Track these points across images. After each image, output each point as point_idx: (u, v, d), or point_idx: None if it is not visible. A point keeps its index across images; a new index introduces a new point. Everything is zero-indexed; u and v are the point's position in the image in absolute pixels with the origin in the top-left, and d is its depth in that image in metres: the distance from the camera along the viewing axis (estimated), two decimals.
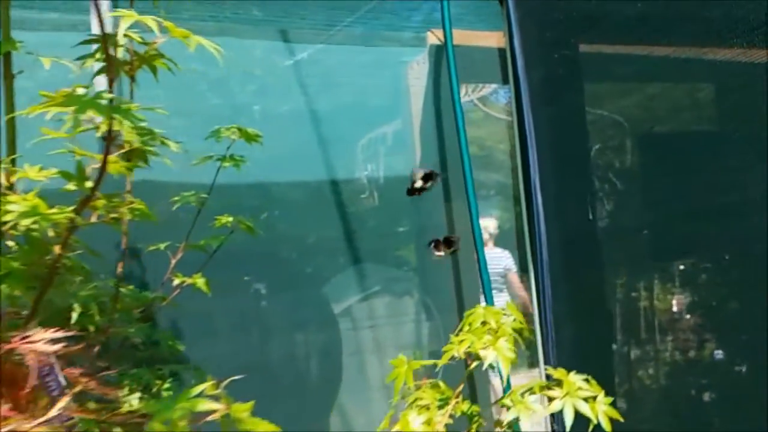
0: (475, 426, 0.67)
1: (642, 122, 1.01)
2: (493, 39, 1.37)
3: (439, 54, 1.51)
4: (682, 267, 0.97)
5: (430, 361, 0.70)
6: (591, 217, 1.08)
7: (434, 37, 1.50)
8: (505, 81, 1.38)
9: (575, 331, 1.10)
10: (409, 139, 1.61)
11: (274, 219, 1.47)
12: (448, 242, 1.21)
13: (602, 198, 1.11)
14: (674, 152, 0.94)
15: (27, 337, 0.48)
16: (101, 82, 0.60)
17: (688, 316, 0.95)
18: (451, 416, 0.64)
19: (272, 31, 1.50)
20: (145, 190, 0.95)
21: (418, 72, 1.62)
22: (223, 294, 1.31)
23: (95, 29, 1.34)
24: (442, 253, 1.19)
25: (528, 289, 1.30)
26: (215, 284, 1.31)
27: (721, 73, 0.86)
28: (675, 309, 0.97)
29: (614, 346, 1.06)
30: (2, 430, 0.46)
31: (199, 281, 0.81)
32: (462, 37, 1.43)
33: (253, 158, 1.51)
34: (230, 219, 0.86)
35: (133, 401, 0.61)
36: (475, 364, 0.65)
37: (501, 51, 1.35)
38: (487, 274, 1.12)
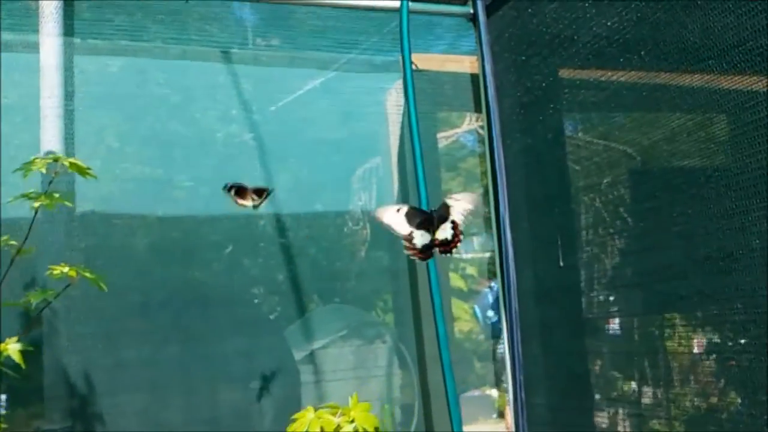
0: None
1: (631, 154, 0.91)
2: (466, 64, 1.29)
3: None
4: (668, 322, 0.86)
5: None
6: (562, 264, 0.98)
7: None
8: (478, 109, 1.30)
9: (548, 398, 1.00)
10: (387, 169, 1.53)
11: (237, 255, 1.39)
12: (258, 192, 1.10)
13: (581, 241, 1.01)
14: (667, 190, 0.84)
15: None
16: None
17: (676, 381, 0.84)
18: None
19: (239, 55, 1.44)
20: None
21: (397, 99, 1.55)
22: (162, 341, 1.24)
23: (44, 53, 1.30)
24: (246, 203, 1.09)
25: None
26: (152, 329, 1.24)
27: (715, 101, 0.76)
28: (662, 372, 0.86)
29: (591, 411, 0.95)
30: None
31: (11, 347, 0.63)
32: (433, 62, 1.35)
33: (214, 189, 1.44)
34: (66, 269, 0.73)
35: None
36: None
37: (474, 76, 1.28)
38: (440, 300, 1.03)
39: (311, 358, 1.34)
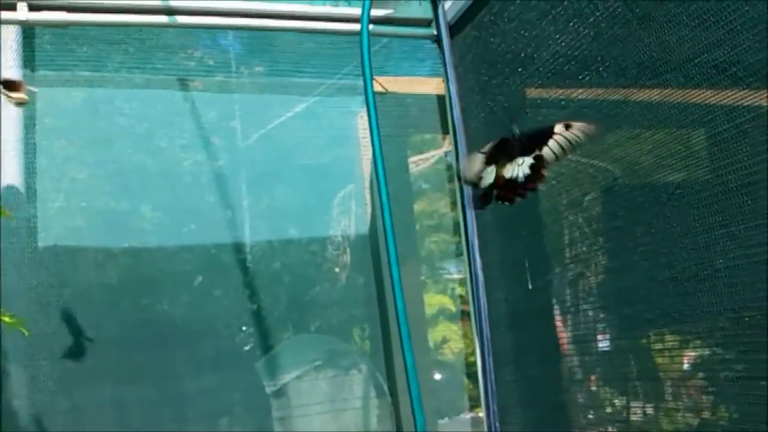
0: None
1: (594, 174, 0.88)
2: (432, 85, 1.28)
3: (381, 102, 1.41)
4: (637, 345, 0.83)
5: None
6: (530, 286, 0.96)
7: (377, 85, 1.41)
8: (444, 131, 1.28)
9: (523, 426, 0.97)
10: (361, 194, 1.51)
11: (207, 285, 1.36)
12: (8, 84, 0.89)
13: (549, 263, 0.99)
14: (630, 209, 0.82)
15: None
16: None
17: (648, 405, 0.81)
18: None
19: (206, 82, 1.42)
20: None
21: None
22: (128, 379, 1.20)
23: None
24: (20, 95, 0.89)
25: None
26: (117, 367, 1.20)
27: (674, 116, 0.74)
28: (634, 396, 0.83)
29: None
30: None
31: None
32: (400, 84, 1.34)
33: (183, 219, 1.41)
34: None
35: None
36: None
37: (440, 98, 1.26)
38: (407, 330, 0.99)
39: (284, 390, 1.31)
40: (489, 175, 0.75)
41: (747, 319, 0.64)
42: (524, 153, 0.74)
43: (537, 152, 0.72)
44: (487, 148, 0.76)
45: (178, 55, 1.37)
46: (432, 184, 1.60)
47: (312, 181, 1.46)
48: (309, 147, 1.48)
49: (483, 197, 0.76)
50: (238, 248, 1.33)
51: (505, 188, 0.74)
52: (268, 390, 1.30)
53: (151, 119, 1.36)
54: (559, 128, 0.73)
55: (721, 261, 0.65)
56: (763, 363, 0.64)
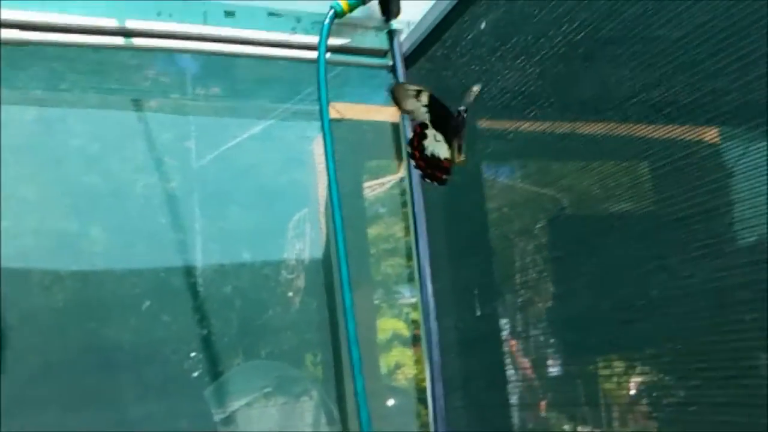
0: None
1: (541, 203, 0.91)
2: (388, 113, 1.31)
3: (337, 128, 1.43)
4: (580, 371, 0.86)
5: None
6: (479, 313, 0.98)
7: (334, 111, 1.42)
8: (399, 157, 1.31)
9: None
10: (316, 218, 1.51)
11: (156, 310, 1.34)
12: None
13: (496, 290, 1.01)
14: (572, 239, 0.84)
15: None
16: None
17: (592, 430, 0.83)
18: None
19: (162, 103, 1.42)
20: None
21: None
22: (71, 407, 1.17)
23: None
24: None
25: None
26: (61, 394, 1.17)
27: (615, 151, 0.77)
28: (586, 425, 0.85)
29: None
30: None
31: None
32: (357, 111, 1.36)
33: (133, 242, 1.39)
34: None
35: None
36: None
37: (395, 125, 1.29)
38: (358, 355, 0.99)
39: (233, 418, 1.29)
40: (439, 147, 0.72)
41: (680, 347, 0.68)
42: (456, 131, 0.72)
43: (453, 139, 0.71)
44: (423, 96, 0.72)
45: (134, 74, 1.37)
46: (388, 209, 1.62)
47: (267, 204, 1.46)
48: (264, 169, 1.48)
49: (432, 171, 0.72)
50: (188, 271, 1.32)
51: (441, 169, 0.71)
52: (216, 418, 1.28)
53: (104, 140, 1.35)
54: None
55: (655, 292, 0.68)
56: (694, 389, 0.67)
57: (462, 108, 0.73)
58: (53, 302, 1.30)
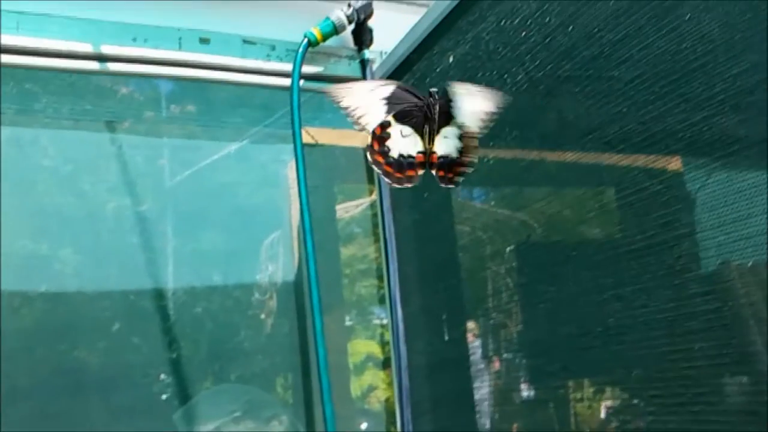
0: None
1: (508, 230, 0.94)
2: (359, 139, 1.33)
3: (310, 153, 1.45)
4: (541, 396, 0.88)
5: None
6: (447, 337, 1.00)
7: (307, 136, 1.45)
8: (370, 181, 1.33)
9: None
10: (288, 241, 1.52)
11: (125, 332, 1.34)
12: None
13: (464, 315, 1.03)
14: (534, 266, 0.87)
15: None
16: None
17: None
18: None
19: (136, 121, 1.42)
20: None
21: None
22: (41, 428, 1.16)
23: None
24: None
25: None
26: (26, 419, 1.16)
27: (576, 180, 0.80)
28: None
29: None
30: None
31: None
32: (330, 136, 1.39)
33: (103, 263, 1.39)
34: None
35: None
36: None
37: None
38: (328, 380, 1.01)
39: None
40: (410, 143, 0.63)
41: (636, 374, 0.70)
42: (442, 122, 0.64)
43: (461, 121, 0.63)
44: (383, 89, 0.65)
45: (108, 93, 1.38)
46: (363, 229, 1.64)
47: (240, 225, 1.47)
48: (238, 190, 1.49)
49: (404, 171, 0.64)
50: (159, 294, 1.32)
51: (442, 167, 0.64)
52: None
53: (76, 160, 1.36)
54: (459, 90, 0.63)
55: (612, 320, 0.71)
56: (649, 415, 0.70)
57: (432, 90, 0.67)
58: (22, 324, 1.29)
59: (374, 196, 1.54)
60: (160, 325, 1.33)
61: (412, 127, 0.65)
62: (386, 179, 0.66)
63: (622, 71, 0.69)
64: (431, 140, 0.65)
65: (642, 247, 0.69)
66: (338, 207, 1.60)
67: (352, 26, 1.19)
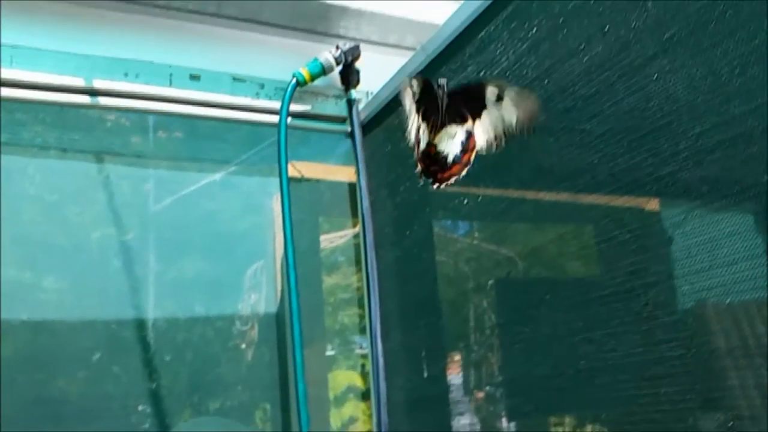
0: None
1: (487, 268, 0.97)
2: (345, 173, 1.37)
3: (296, 186, 1.48)
4: None
5: None
6: (426, 374, 1.02)
7: (293, 170, 1.48)
8: (354, 215, 1.36)
9: None
10: (271, 271, 1.54)
11: (106, 362, 1.34)
12: None
13: (442, 351, 1.06)
14: (511, 307, 0.90)
15: None
16: None
17: None
18: None
19: (123, 149, 1.44)
20: None
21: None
22: None
23: None
24: None
25: None
26: None
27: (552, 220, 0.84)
28: None
29: None
30: None
31: None
32: (315, 170, 1.42)
33: (85, 292, 1.39)
34: None
35: None
36: None
37: (352, 185, 1.35)
38: (307, 416, 1.02)
39: None
40: (422, 133, 0.62)
41: (604, 416, 0.73)
42: (453, 118, 0.62)
43: (469, 123, 0.61)
44: (415, 84, 0.63)
45: (96, 123, 1.40)
46: (347, 257, 1.66)
47: (224, 253, 1.48)
48: (223, 217, 1.51)
49: (426, 163, 0.63)
50: (140, 324, 1.33)
51: (433, 162, 0.63)
52: None
53: (62, 189, 1.37)
54: (491, 92, 0.61)
55: (583, 362, 0.74)
56: None
57: (441, 81, 0.66)
58: (3, 353, 1.29)
59: (357, 228, 1.58)
60: (141, 355, 1.34)
61: (426, 121, 0.64)
62: (426, 178, 0.66)
63: (594, 125, 0.73)
64: (435, 133, 0.64)
65: (611, 293, 0.72)
66: (323, 237, 1.63)
67: (340, 67, 1.23)
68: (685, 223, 0.64)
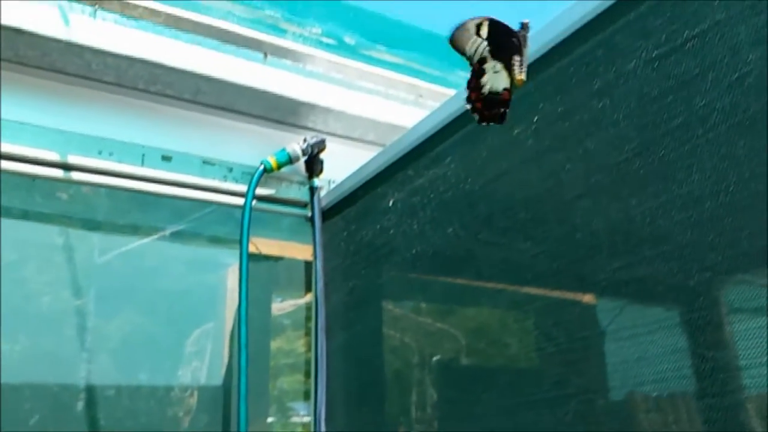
0: None
1: (447, 351, 1.05)
2: (302, 252, 1.44)
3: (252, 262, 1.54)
4: None
5: None
6: None
7: (252, 246, 1.54)
8: (308, 291, 1.43)
9: None
10: (220, 338, 1.58)
11: (43, 425, 1.35)
12: None
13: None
14: (482, 386, 0.97)
15: None
16: None
17: None
18: None
19: (85, 221, 1.48)
20: None
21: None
22: None
23: None
24: None
25: None
26: None
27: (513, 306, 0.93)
28: None
29: None
30: None
31: None
32: (273, 247, 1.48)
33: (28, 356, 1.41)
34: None
35: None
36: None
37: (308, 264, 1.42)
38: None
39: None
40: (496, 79, 0.64)
41: None
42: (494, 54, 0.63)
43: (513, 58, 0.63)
44: (483, 25, 0.63)
45: (64, 189, 1.44)
46: (292, 321, 1.71)
47: (170, 316, 1.52)
48: (174, 281, 1.55)
49: (489, 109, 0.65)
50: (80, 388, 1.35)
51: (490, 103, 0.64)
52: None
53: (20, 251, 1.40)
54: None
55: None
56: None
57: (525, 21, 0.67)
58: None
59: (308, 297, 1.63)
60: (81, 420, 1.35)
61: (505, 59, 0.65)
62: (476, 115, 0.67)
63: (528, 246, 0.83)
64: (521, 69, 0.66)
65: (539, 400, 0.81)
66: (274, 306, 1.68)
67: (306, 157, 1.32)
68: (608, 342, 0.74)
